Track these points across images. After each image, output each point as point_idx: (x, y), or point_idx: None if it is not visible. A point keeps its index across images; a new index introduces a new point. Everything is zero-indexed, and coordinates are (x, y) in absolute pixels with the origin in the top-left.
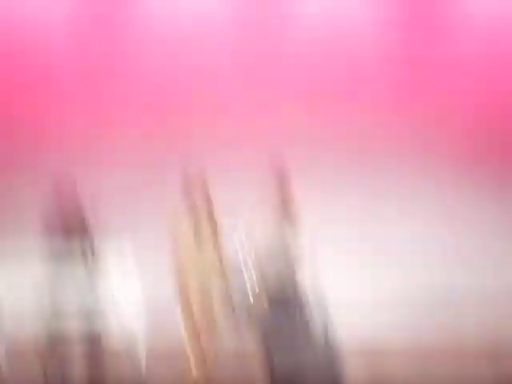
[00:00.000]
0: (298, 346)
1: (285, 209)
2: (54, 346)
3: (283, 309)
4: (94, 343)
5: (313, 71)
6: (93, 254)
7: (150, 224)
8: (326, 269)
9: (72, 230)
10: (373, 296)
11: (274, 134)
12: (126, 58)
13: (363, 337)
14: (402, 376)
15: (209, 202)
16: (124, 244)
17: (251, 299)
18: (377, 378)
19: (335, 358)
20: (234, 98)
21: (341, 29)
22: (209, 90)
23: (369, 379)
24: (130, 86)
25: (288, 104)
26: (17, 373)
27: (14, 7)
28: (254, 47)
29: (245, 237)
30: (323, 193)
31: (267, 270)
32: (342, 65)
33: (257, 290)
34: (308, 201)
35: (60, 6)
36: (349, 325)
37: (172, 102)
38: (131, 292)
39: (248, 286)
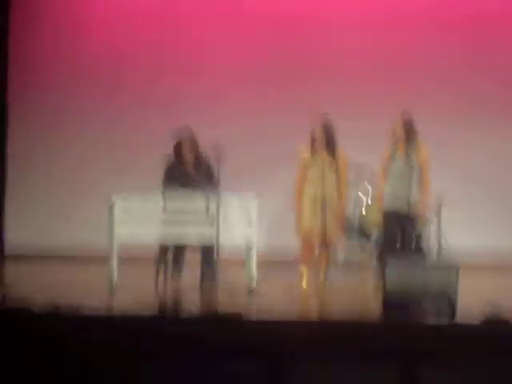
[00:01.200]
0: (411, 261)
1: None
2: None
3: (397, 225)
4: (208, 252)
5: None
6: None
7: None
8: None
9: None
10: None
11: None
12: None
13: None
14: None
15: (332, 141)
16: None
17: (365, 212)
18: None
19: (448, 275)
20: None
21: None
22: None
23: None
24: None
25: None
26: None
27: None
28: None
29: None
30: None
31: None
32: None
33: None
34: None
35: None
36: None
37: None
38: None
39: (364, 200)
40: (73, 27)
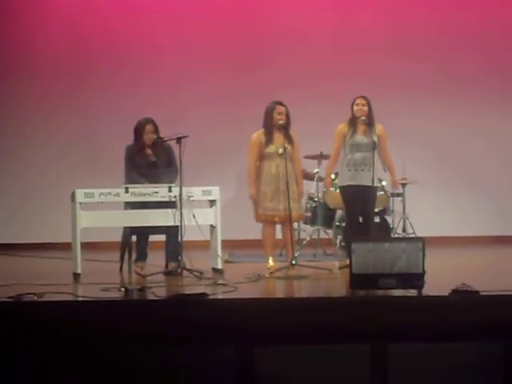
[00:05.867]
0: (376, 236)
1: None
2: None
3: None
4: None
5: None
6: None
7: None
8: None
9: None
10: None
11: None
12: None
13: None
14: None
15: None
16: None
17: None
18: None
19: (415, 248)
20: None
21: None
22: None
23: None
24: None
25: None
26: None
27: None
28: None
29: None
30: None
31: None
32: None
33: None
34: None
35: None
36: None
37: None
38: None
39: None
40: (35, 17)
